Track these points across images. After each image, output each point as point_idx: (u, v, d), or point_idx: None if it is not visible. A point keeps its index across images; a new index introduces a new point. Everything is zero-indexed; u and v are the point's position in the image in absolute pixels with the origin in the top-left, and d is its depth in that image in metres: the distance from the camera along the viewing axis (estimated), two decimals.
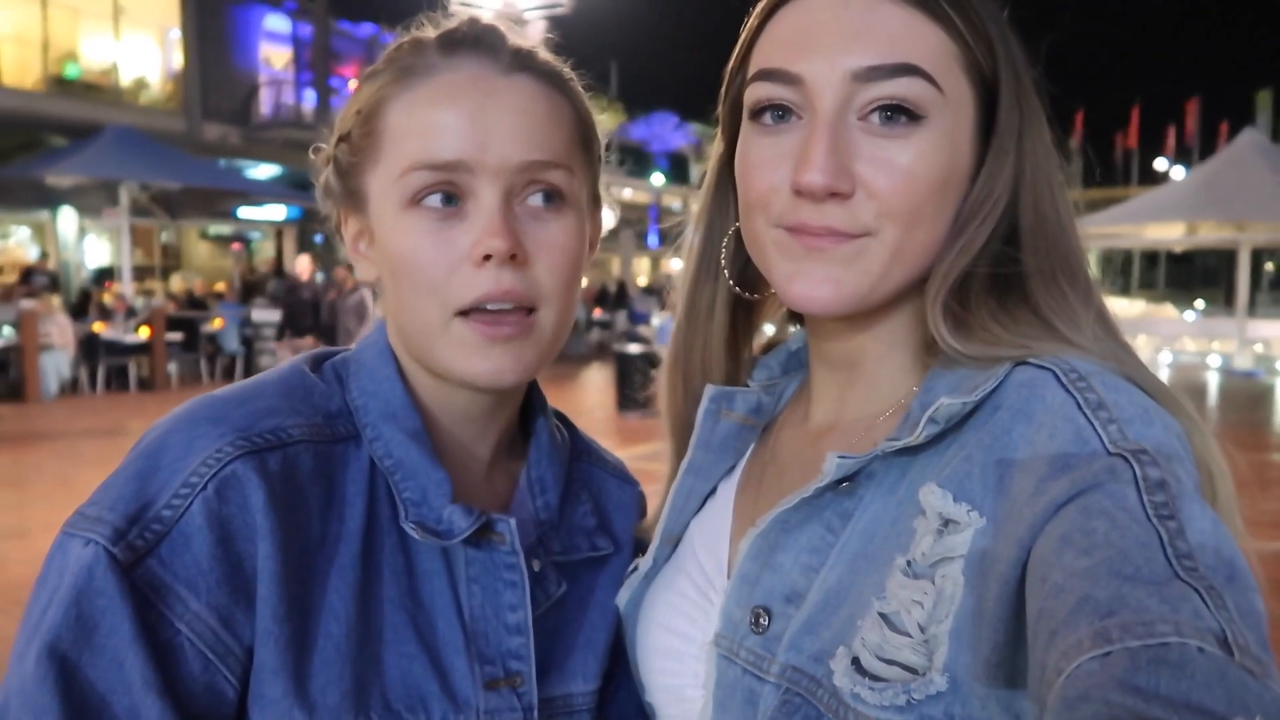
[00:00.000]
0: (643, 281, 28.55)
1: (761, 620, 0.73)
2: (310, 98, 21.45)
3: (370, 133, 0.79)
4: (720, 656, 0.75)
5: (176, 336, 13.09)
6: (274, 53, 23.25)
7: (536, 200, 0.78)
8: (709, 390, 0.88)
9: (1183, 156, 35.00)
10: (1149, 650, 0.48)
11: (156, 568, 0.67)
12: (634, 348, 10.82)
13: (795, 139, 0.72)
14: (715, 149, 0.86)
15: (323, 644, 0.71)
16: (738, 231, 0.82)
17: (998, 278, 0.73)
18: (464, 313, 0.76)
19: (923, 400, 0.71)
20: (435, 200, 0.76)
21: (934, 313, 0.71)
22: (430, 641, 0.76)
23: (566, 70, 0.83)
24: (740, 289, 0.86)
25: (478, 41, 0.79)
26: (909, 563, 0.65)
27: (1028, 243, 0.73)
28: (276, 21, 23.13)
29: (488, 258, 0.75)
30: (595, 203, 0.87)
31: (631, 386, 10.86)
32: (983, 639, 0.60)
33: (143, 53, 20.03)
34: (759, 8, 0.77)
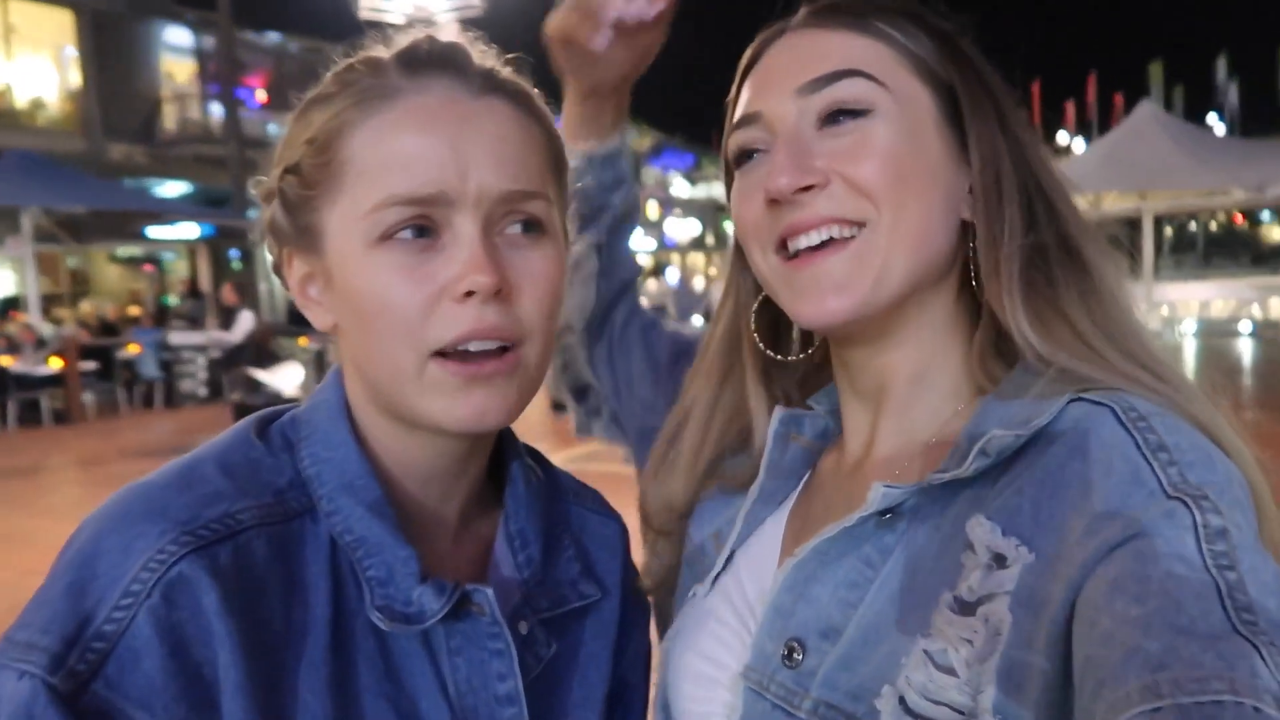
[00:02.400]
0: None
1: (795, 654, 0.70)
2: (218, 111, 20.87)
3: (327, 163, 0.71)
4: (748, 689, 0.73)
5: (91, 365, 12.64)
6: (176, 66, 22.54)
7: (515, 229, 0.72)
8: (779, 413, 0.86)
9: (1083, 130, 36.16)
10: (1201, 709, 0.46)
11: (104, 692, 0.59)
12: None
13: (766, 167, 0.76)
14: (734, 231, 0.87)
15: None
16: (765, 300, 0.83)
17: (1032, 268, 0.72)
18: (441, 354, 0.69)
19: (971, 431, 0.68)
20: (409, 234, 0.69)
21: (1012, 301, 0.71)
22: None
23: (533, 89, 0.78)
24: (772, 350, 0.86)
25: (444, 61, 0.73)
26: (956, 599, 0.63)
27: (1045, 224, 0.74)
28: (177, 34, 22.42)
29: (470, 294, 0.68)
30: (565, 231, 0.80)
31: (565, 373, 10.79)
32: (1032, 680, 0.58)
33: (37, 73, 19.24)
34: (735, 82, 0.83)
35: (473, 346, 0.69)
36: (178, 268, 22.56)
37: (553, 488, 0.90)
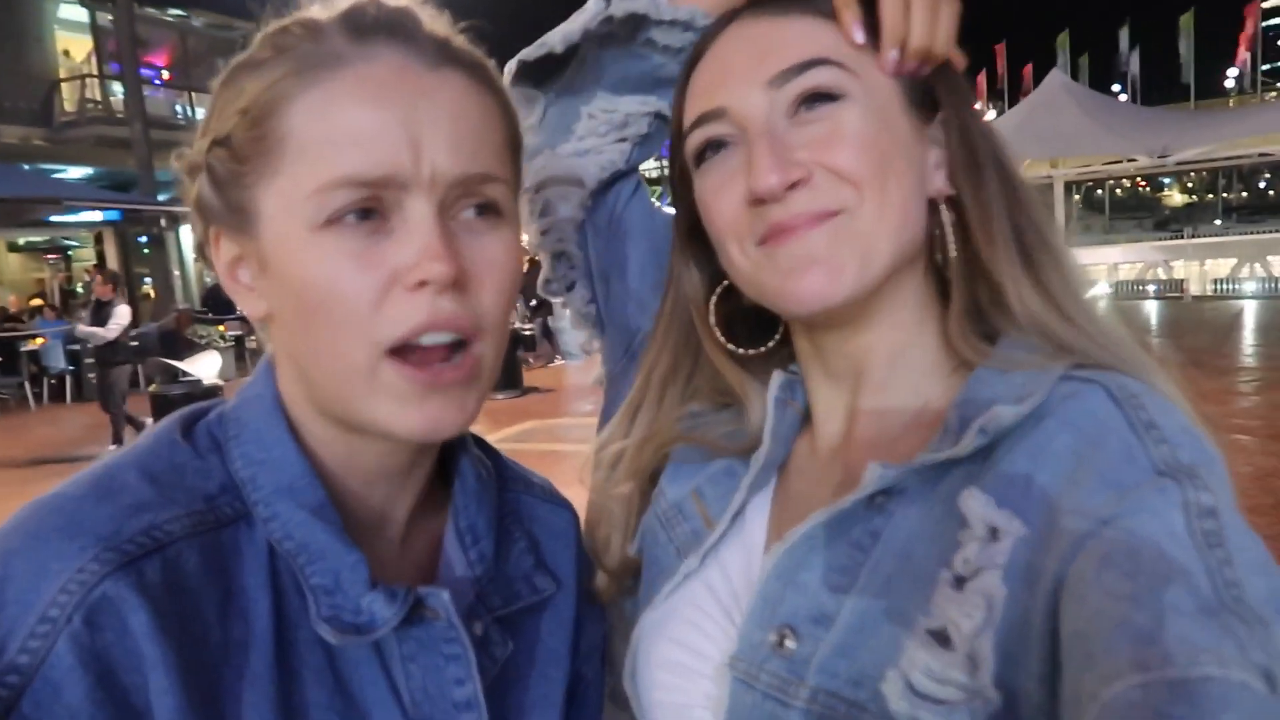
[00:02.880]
0: None
1: (787, 641, 0.69)
2: (120, 90, 20.02)
3: (262, 137, 0.64)
4: (736, 680, 0.70)
5: None
6: (72, 44, 21.53)
7: (470, 213, 0.67)
8: (778, 377, 0.85)
9: (995, 99, 37.01)
10: (1189, 683, 0.46)
11: None
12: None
13: (738, 160, 0.74)
14: (675, 220, 0.86)
15: None
16: (722, 294, 0.83)
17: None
18: (395, 352, 0.64)
19: (961, 411, 0.68)
20: (355, 216, 0.63)
21: (1013, 268, 0.71)
22: None
23: (489, 61, 0.71)
24: (733, 344, 0.85)
25: (393, 27, 0.66)
26: (955, 576, 0.62)
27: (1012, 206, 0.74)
28: (71, 10, 21.41)
29: (424, 284, 0.63)
30: (518, 215, 0.75)
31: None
32: (1029, 653, 0.58)
33: None
34: (678, 84, 0.81)
35: (426, 340, 0.64)
36: (84, 255, 21.68)
37: (501, 479, 0.86)
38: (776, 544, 0.72)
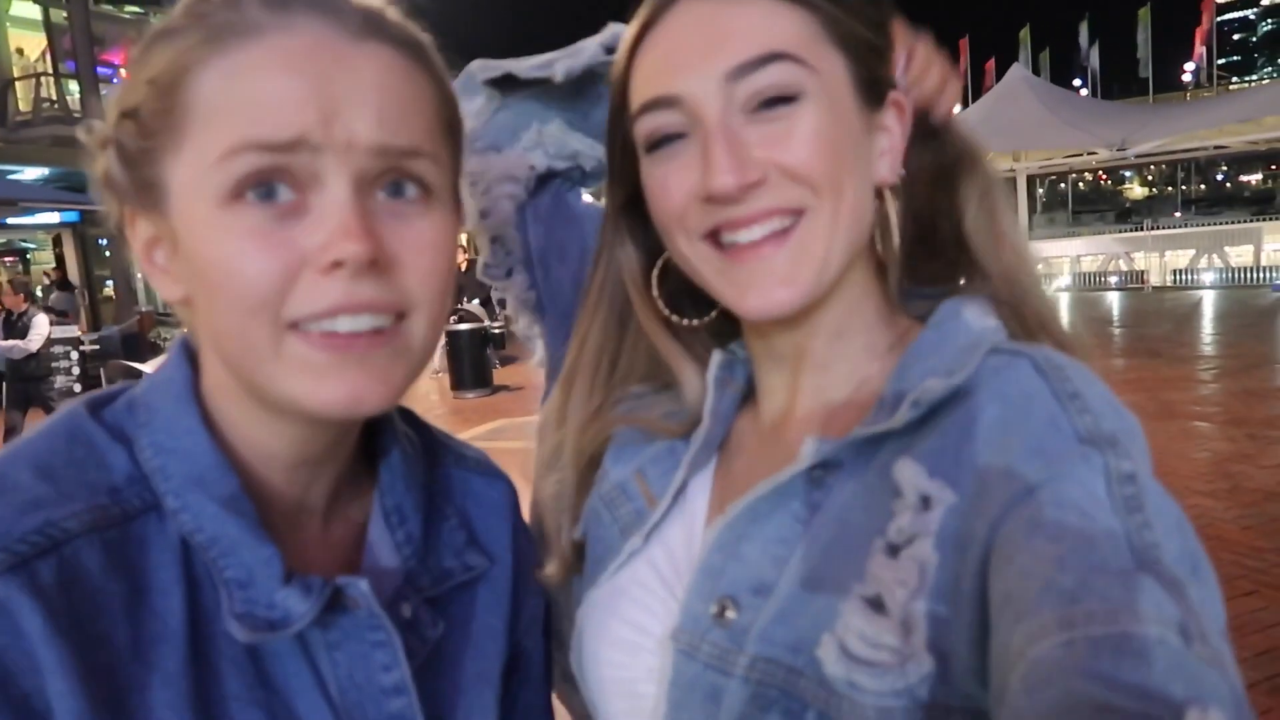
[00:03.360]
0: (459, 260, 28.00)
1: (726, 612, 0.70)
2: (75, 89, 19.65)
3: (170, 108, 0.60)
4: (679, 652, 0.72)
5: None
6: (25, 41, 21.10)
7: (394, 194, 0.63)
8: (717, 356, 0.86)
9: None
10: (1111, 639, 0.49)
11: None
12: (464, 325, 10.64)
13: (692, 154, 0.73)
14: (609, 193, 0.85)
15: None
16: (665, 265, 0.82)
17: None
18: (300, 328, 0.60)
19: (896, 387, 0.71)
20: (258, 195, 0.59)
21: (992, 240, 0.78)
22: None
23: (425, 38, 0.67)
24: (676, 315, 0.85)
25: None
26: (888, 544, 0.65)
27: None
28: (24, 7, 20.97)
29: (337, 265, 0.59)
30: (457, 198, 0.71)
31: (463, 365, 10.69)
32: (961, 617, 0.60)
33: None
34: (622, 47, 0.78)
35: (341, 325, 0.60)
36: (43, 258, 21.27)
37: (430, 453, 0.82)
38: (718, 517, 0.74)
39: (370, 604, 0.67)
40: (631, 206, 0.82)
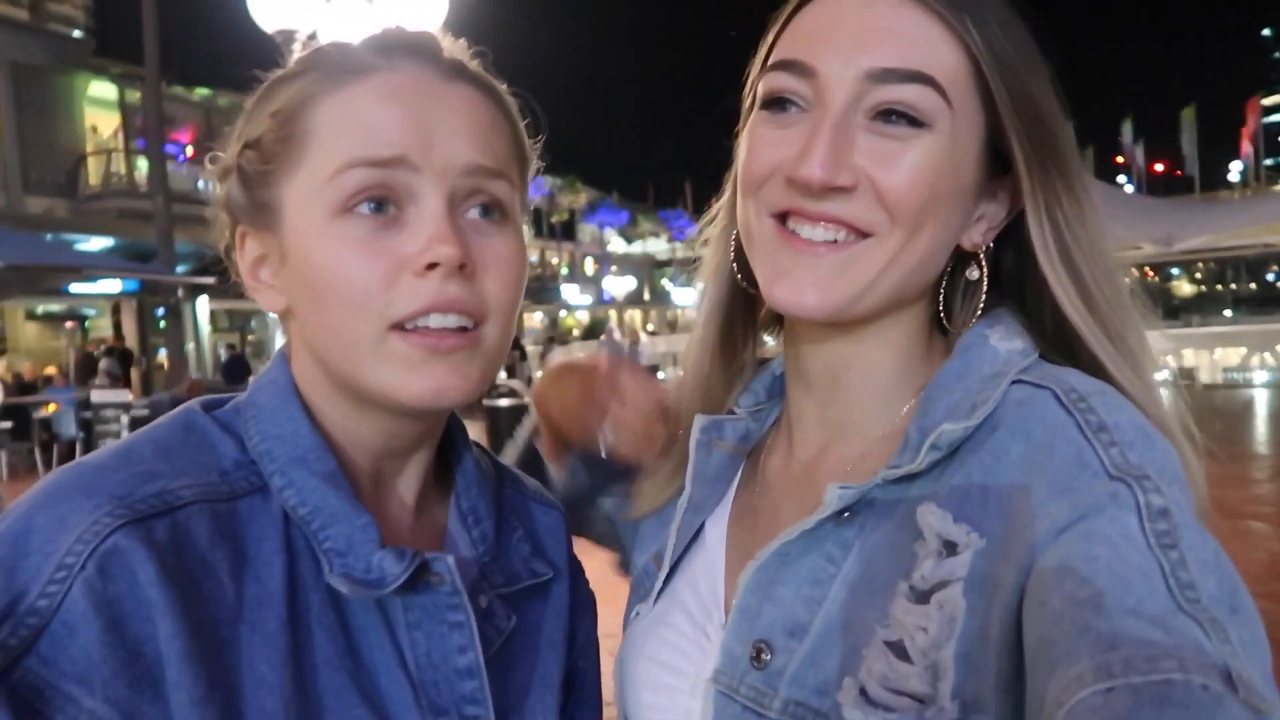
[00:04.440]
0: None
1: (763, 655, 0.70)
2: (143, 164, 20.49)
3: (290, 135, 0.70)
4: (719, 693, 0.72)
5: (6, 425, 12.13)
6: (101, 120, 22.14)
7: (477, 214, 0.72)
8: (699, 421, 0.86)
9: None
10: (1152, 687, 0.47)
11: (38, 668, 0.57)
12: (504, 401, 10.72)
13: (799, 130, 0.71)
14: (738, 148, 0.82)
15: None
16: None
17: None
18: (401, 328, 0.68)
19: (920, 424, 0.69)
20: (368, 207, 0.68)
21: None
22: (376, 701, 0.69)
23: (501, 85, 0.78)
24: (747, 285, 0.83)
25: (415, 46, 0.73)
26: (911, 588, 0.64)
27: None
28: (101, 88, 22.07)
29: (432, 267, 0.67)
30: (521, 222, 0.80)
31: (503, 440, 10.71)
32: (988, 664, 0.59)
33: None
34: (787, 5, 0.76)
35: (433, 321, 0.69)
36: (100, 325, 21.91)
37: (498, 476, 0.91)
38: (750, 561, 0.73)
39: (454, 578, 0.72)
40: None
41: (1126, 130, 37.25)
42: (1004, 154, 0.73)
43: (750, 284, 0.81)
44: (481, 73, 0.76)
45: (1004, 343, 0.72)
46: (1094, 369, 0.70)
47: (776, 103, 0.73)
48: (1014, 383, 0.68)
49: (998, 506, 0.63)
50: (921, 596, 0.63)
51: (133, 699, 0.59)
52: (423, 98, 0.70)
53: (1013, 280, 0.77)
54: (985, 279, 0.75)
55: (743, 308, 0.88)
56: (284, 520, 0.70)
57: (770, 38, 0.77)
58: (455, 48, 0.76)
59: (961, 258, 0.76)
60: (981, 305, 0.75)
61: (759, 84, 0.76)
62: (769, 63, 0.75)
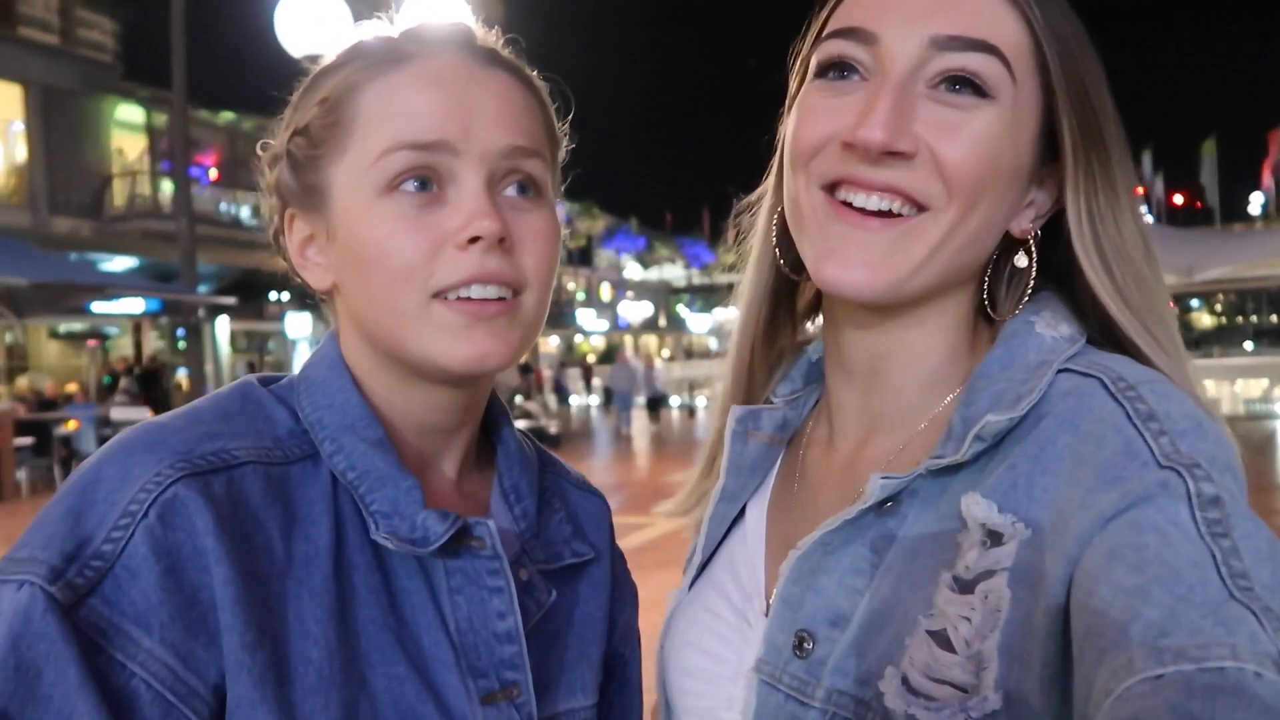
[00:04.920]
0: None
1: (805, 644, 0.70)
2: (168, 186, 20.76)
3: (337, 121, 0.75)
4: (762, 683, 0.72)
5: (26, 441, 12.24)
6: (127, 142, 22.47)
7: (513, 191, 0.76)
8: (735, 411, 0.86)
9: None
10: (1204, 675, 0.46)
11: (101, 607, 0.61)
12: (521, 423, 10.73)
13: (858, 98, 0.69)
14: (781, 133, 0.81)
15: (303, 671, 0.66)
16: (783, 214, 0.79)
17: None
18: (444, 298, 0.72)
19: (964, 414, 0.68)
20: (413, 185, 0.72)
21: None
22: (418, 660, 0.71)
23: (533, 72, 0.82)
24: (789, 271, 0.82)
25: (453, 36, 0.77)
26: (955, 578, 0.63)
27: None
28: (129, 111, 22.41)
29: (474, 240, 0.71)
30: (554, 199, 0.84)
31: None
32: (1033, 654, 0.58)
33: None
34: None
35: (474, 292, 0.72)
36: (121, 344, 22.12)
37: (541, 461, 0.93)
38: (792, 551, 0.73)
39: (495, 543, 0.75)
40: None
41: (1146, 161, 37.17)
42: (1056, 140, 0.71)
43: (793, 269, 0.80)
44: (514, 59, 0.80)
45: (1050, 329, 0.71)
46: (1140, 357, 0.69)
47: (834, 67, 0.71)
48: (1061, 371, 0.67)
49: (1044, 497, 0.62)
50: (965, 586, 0.62)
51: (187, 642, 0.63)
52: (461, 83, 0.74)
53: (1058, 272, 0.75)
54: (1034, 267, 0.74)
55: (785, 294, 0.88)
56: (333, 486, 0.73)
57: (825, 12, 0.76)
58: (488, 36, 0.80)
59: (1009, 245, 0.75)
60: (1028, 295, 0.74)
61: (813, 54, 0.74)
62: (824, 33, 0.74)
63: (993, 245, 0.73)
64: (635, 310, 47.98)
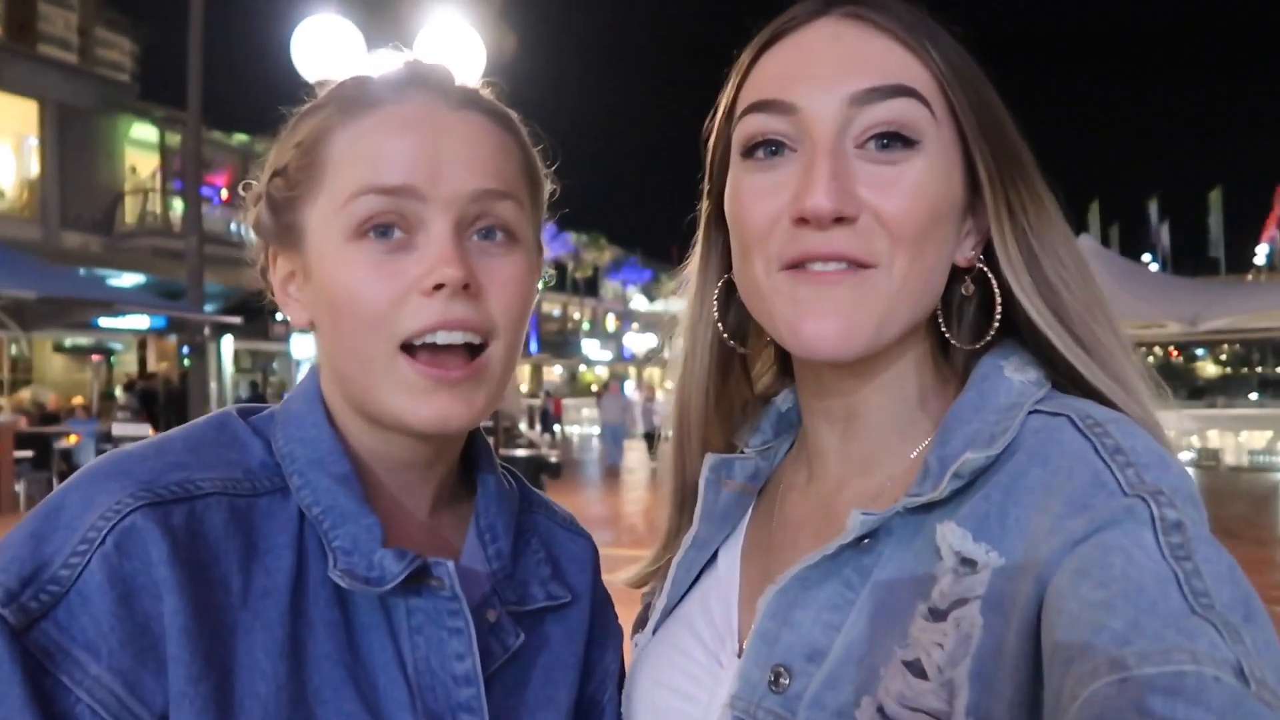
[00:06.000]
0: (523, 388, 28.46)
1: (782, 679, 0.70)
2: (179, 205, 20.90)
3: (311, 164, 0.76)
4: (736, 718, 0.72)
5: (26, 454, 12.22)
6: (140, 160, 22.67)
7: (484, 236, 0.76)
8: (709, 460, 0.87)
9: None
10: (1166, 678, 0.48)
11: (52, 631, 0.62)
12: (521, 452, 10.71)
13: (792, 170, 0.70)
14: (703, 207, 0.85)
15: (249, 705, 0.66)
16: (728, 283, 0.81)
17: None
18: (409, 350, 0.72)
19: (940, 454, 0.70)
20: (380, 231, 0.73)
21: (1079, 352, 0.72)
22: (371, 698, 0.71)
23: (512, 113, 0.82)
24: (732, 341, 0.85)
25: (425, 78, 0.78)
26: (930, 608, 0.65)
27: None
28: (143, 130, 22.63)
29: (439, 287, 0.71)
30: (538, 247, 0.84)
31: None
32: (1004, 680, 0.60)
33: None
34: (747, 50, 0.77)
35: (440, 338, 0.73)
36: (125, 360, 22.16)
37: (526, 500, 0.93)
38: (770, 586, 0.74)
39: (453, 584, 0.74)
40: (719, 220, 0.81)
41: (1152, 209, 37.33)
42: (975, 171, 0.74)
43: (739, 342, 0.84)
44: (490, 99, 0.81)
45: (1018, 374, 0.73)
46: (1102, 400, 0.71)
47: (760, 146, 0.73)
48: (1031, 412, 0.70)
49: (1016, 527, 0.64)
50: (939, 615, 0.64)
51: (135, 670, 0.63)
52: (430, 128, 0.75)
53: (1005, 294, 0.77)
54: (987, 293, 0.76)
55: (736, 363, 0.90)
56: (300, 520, 0.74)
57: (732, 90, 0.78)
58: (466, 79, 0.80)
59: (955, 275, 0.77)
60: (994, 322, 0.76)
61: (734, 132, 0.76)
62: (739, 110, 0.75)
63: (943, 281, 0.76)
64: (640, 341, 48.06)
